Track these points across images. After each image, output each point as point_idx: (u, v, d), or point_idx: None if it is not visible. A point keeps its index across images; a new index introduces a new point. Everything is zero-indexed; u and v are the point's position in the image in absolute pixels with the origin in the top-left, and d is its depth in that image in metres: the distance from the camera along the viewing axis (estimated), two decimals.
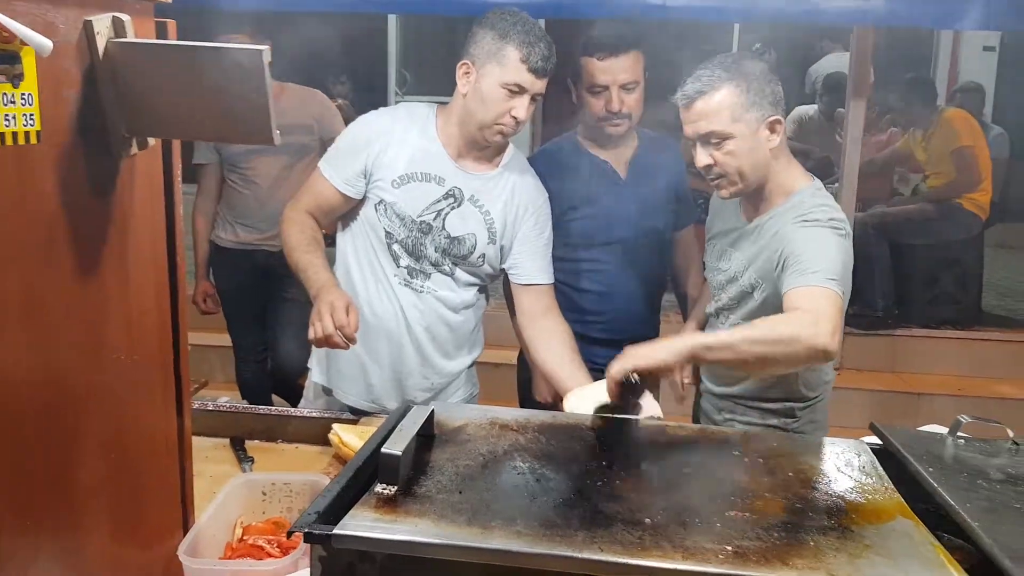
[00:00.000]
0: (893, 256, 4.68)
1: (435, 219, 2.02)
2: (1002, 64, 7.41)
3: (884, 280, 4.63)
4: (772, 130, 1.80)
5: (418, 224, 2.02)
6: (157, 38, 1.13)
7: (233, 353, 3.54)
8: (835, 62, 5.65)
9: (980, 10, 3.08)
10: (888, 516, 1.10)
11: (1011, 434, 1.33)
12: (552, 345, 2.03)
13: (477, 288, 2.12)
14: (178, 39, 1.15)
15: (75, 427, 1.01)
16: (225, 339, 3.54)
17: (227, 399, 2.70)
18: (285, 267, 2.06)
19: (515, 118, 1.94)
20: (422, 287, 2.05)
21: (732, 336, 1.63)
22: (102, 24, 1.00)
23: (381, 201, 2.02)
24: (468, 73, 1.96)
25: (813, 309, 1.61)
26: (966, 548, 1.05)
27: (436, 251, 2.03)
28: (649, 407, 1.60)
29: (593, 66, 2.17)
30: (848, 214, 2.84)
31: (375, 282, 2.06)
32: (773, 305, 1.78)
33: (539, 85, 1.93)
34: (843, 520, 1.08)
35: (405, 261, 2.04)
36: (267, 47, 1.00)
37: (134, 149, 1.09)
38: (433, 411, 1.31)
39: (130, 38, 1.04)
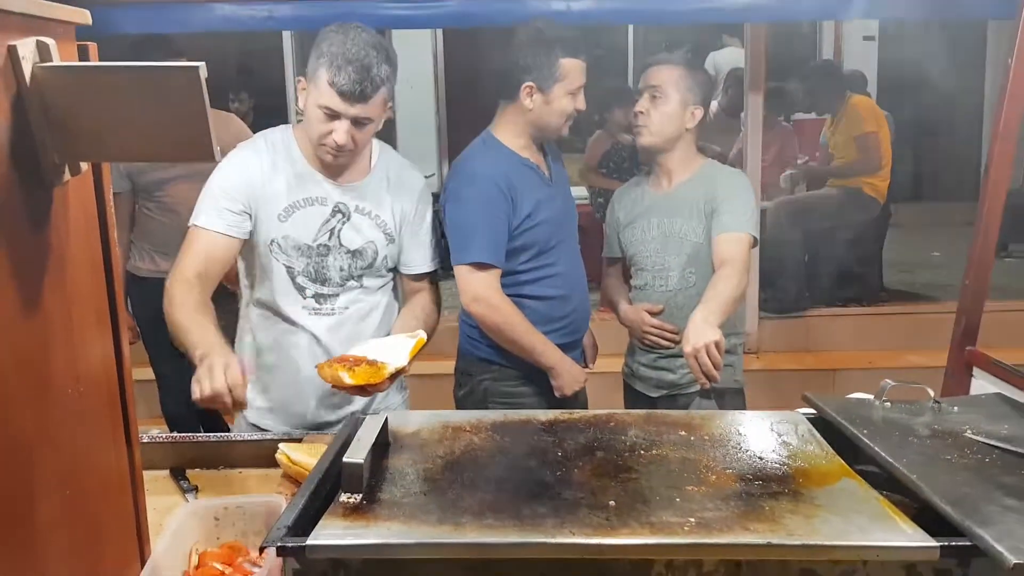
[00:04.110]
0: (802, 241, 4.89)
1: (330, 239, 1.99)
2: (882, 52, 7.85)
3: (796, 265, 4.84)
4: (693, 115, 2.33)
5: (315, 249, 1.98)
6: (79, 60, 1.11)
7: (157, 386, 3.43)
8: (733, 56, 5.86)
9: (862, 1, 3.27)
10: (833, 478, 1.17)
11: (932, 394, 1.43)
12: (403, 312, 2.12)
13: (389, 288, 2.13)
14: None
15: (28, 466, 0.98)
16: (146, 372, 3.42)
17: (158, 431, 2.62)
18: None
19: (336, 142, 1.87)
20: (333, 309, 2.03)
21: (723, 299, 2.07)
22: (27, 48, 0.97)
23: (272, 240, 1.97)
24: (303, 89, 1.91)
25: (741, 257, 2.20)
26: (905, 502, 1.13)
27: (341, 270, 2.01)
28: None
29: (578, 67, 2.20)
30: (756, 204, 2.97)
31: (283, 332, 2.03)
32: (705, 250, 2.30)
33: (356, 110, 1.84)
34: (793, 485, 1.14)
35: (311, 290, 2.01)
36: (203, 63, 0.99)
37: (67, 175, 1.06)
38: (387, 419, 1.32)
39: (56, 62, 1.01)
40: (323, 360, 1.96)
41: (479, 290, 2.17)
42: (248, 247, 2.01)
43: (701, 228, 2.32)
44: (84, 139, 1.03)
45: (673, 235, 2.37)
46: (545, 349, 2.23)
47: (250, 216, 1.95)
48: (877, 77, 7.67)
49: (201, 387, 1.63)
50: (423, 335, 1.91)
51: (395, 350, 1.84)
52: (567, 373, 2.25)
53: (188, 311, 1.82)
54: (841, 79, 5.06)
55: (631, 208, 2.48)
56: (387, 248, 2.04)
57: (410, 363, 1.82)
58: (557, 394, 2.25)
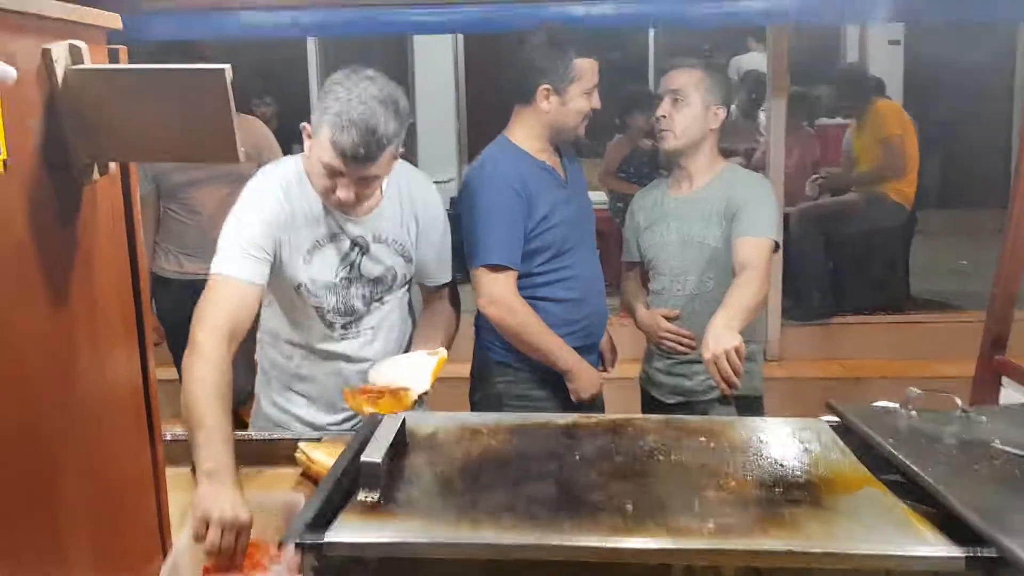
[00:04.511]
0: (826, 248, 4.84)
1: (351, 272, 1.96)
2: (908, 56, 7.76)
3: (819, 271, 4.79)
4: (716, 115, 2.34)
5: (339, 284, 1.95)
6: (110, 62, 1.13)
7: (180, 385, 3.46)
8: (755, 60, 5.83)
9: (887, 3, 3.25)
10: (856, 486, 1.15)
11: (959, 403, 1.40)
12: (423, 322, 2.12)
13: (407, 289, 2.12)
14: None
15: (51, 459, 0.99)
16: (170, 372, 3.45)
17: (181, 430, 2.65)
18: None
19: (339, 200, 1.79)
20: (359, 332, 2.03)
21: (744, 304, 2.05)
22: (60, 52, 0.99)
23: (300, 284, 1.92)
24: (308, 137, 1.81)
25: (761, 262, 2.17)
26: (930, 512, 1.11)
27: (363, 298, 2.00)
28: None
29: (591, 66, 2.21)
30: (778, 208, 2.95)
31: (315, 360, 2.02)
32: (724, 255, 2.29)
33: (360, 171, 1.75)
34: (814, 493, 1.13)
35: (340, 321, 2.00)
36: (228, 66, 1.01)
37: (96, 175, 1.08)
38: (404, 420, 1.33)
39: (87, 64, 1.03)
40: (354, 375, 2.00)
41: (495, 292, 2.17)
42: (276, 291, 1.97)
43: (720, 232, 2.31)
44: (113, 139, 1.05)
45: (692, 239, 2.36)
46: (561, 352, 2.22)
47: (272, 263, 1.87)
48: (903, 82, 7.59)
49: (196, 533, 1.40)
50: (444, 353, 1.91)
51: (417, 370, 1.85)
52: (583, 377, 2.24)
53: (208, 394, 1.62)
54: (867, 83, 5.00)
55: (650, 212, 2.48)
56: (406, 268, 2.04)
57: (432, 384, 1.81)
58: (573, 398, 2.25)
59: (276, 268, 1.89)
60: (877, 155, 4.79)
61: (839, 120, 5.58)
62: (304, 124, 1.83)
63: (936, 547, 0.97)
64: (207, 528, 1.39)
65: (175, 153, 1.12)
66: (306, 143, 1.83)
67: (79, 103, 1.00)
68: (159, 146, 1.05)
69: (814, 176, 5.16)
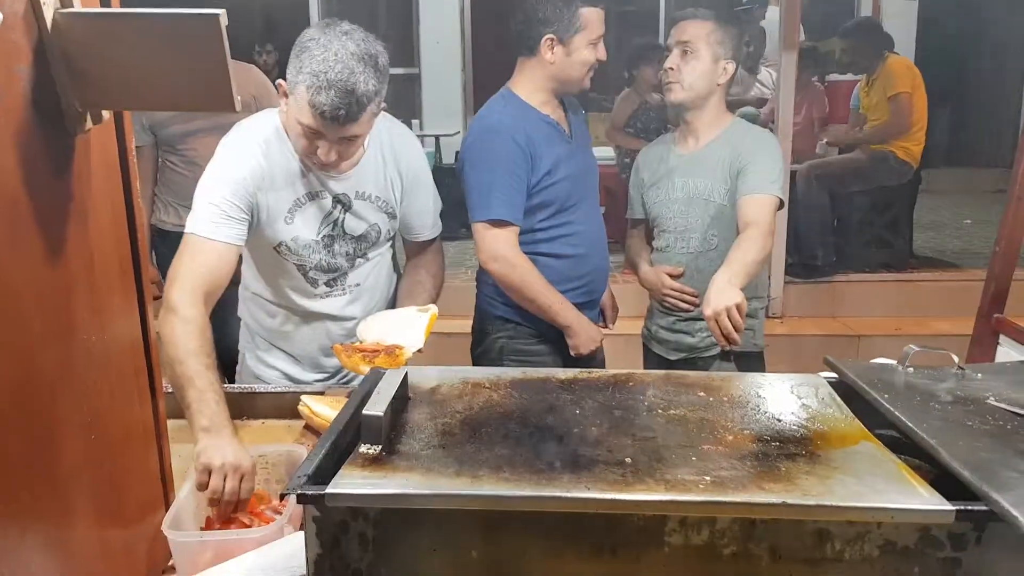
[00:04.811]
0: (831, 205, 4.81)
1: (334, 229, 1.94)
2: (923, 11, 7.62)
3: (824, 229, 4.77)
4: (725, 70, 2.31)
5: (321, 242, 1.93)
6: (101, 6, 1.10)
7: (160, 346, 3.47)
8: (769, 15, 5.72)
9: None
10: (851, 441, 1.16)
11: (956, 360, 1.41)
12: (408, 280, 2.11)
13: (390, 244, 2.12)
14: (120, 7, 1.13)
15: (51, 411, 1.00)
16: None
17: None
18: None
19: (321, 161, 1.77)
20: (345, 289, 2.02)
21: (747, 261, 2.04)
22: None
23: (280, 243, 1.90)
24: (284, 95, 1.76)
25: (766, 220, 2.15)
26: (923, 467, 1.12)
27: (347, 255, 1.99)
28: None
29: (597, 15, 2.18)
30: (784, 166, 2.93)
31: (299, 318, 2.02)
32: (729, 212, 2.28)
33: (341, 131, 1.70)
34: (810, 447, 1.14)
35: (323, 278, 1.99)
36: (223, 11, 0.99)
37: (88, 123, 1.06)
38: (407, 374, 1.33)
39: (77, 8, 1.01)
40: (340, 335, 2.00)
41: (497, 248, 2.16)
42: (255, 250, 1.96)
43: (725, 189, 2.29)
44: (105, 86, 1.03)
45: (697, 196, 2.34)
46: (562, 308, 2.22)
47: (250, 222, 1.84)
48: (916, 38, 7.46)
49: (200, 482, 1.41)
50: (435, 310, 1.91)
51: (409, 327, 1.85)
52: (583, 332, 2.24)
53: (192, 353, 1.57)
54: (881, 37, 4.91)
55: (655, 168, 2.45)
56: (389, 224, 2.02)
57: (425, 342, 1.82)
58: (573, 353, 2.25)
59: (255, 228, 1.86)
60: (885, 112, 4.74)
61: (850, 76, 5.49)
62: (280, 81, 1.78)
63: (927, 501, 0.97)
64: (209, 476, 1.41)
65: (169, 101, 1.10)
66: (281, 101, 1.79)
67: (69, 48, 0.98)
68: (152, 93, 1.04)
69: (824, 140, 5.13)
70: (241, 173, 1.81)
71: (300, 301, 2.00)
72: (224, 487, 1.40)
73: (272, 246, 1.92)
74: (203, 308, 1.68)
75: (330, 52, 1.66)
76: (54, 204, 1.02)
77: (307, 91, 1.66)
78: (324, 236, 1.94)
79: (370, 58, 1.68)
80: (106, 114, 1.10)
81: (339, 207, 1.93)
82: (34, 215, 0.96)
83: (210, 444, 1.44)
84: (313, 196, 1.90)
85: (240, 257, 1.87)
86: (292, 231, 1.90)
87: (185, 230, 1.80)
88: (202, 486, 1.41)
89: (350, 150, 1.80)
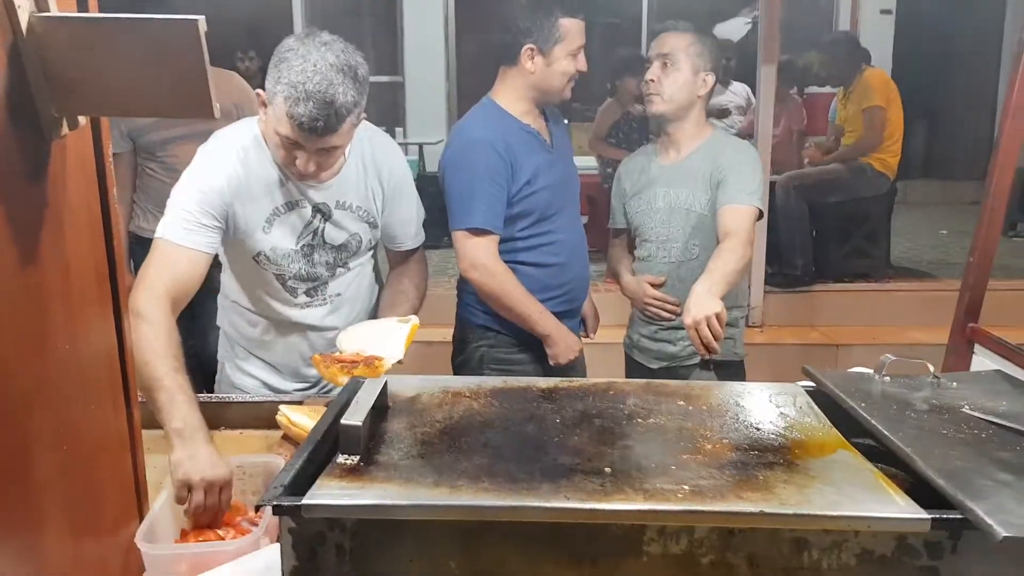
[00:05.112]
0: (809, 216, 4.86)
1: (314, 239, 1.92)
2: (899, 25, 7.73)
3: (803, 240, 4.82)
4: (705, 82, 2.33)
5: (301, 251, 1.92)
6: (78, 11, 1.09)
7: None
8: (738, 27, 5.79)
9: None
10: (829, 450, 1.17)
11: (932, 369, 1.42)
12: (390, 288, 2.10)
13: (371, 254, 2.11)
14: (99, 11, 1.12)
15: (24, 421, 0.98)
16: None
17: None
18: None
19: (299, 172, 1.76)
20: (325, 299, 2.01)
21: (727, 271, 2.06)
22: None
23: (259, 252, 1.89)
24: (262, 105, 1.75)
25: (745, 230, 2.17)
26: (900, 475, 1.13)
27: (327, 264, 1.97)
28: None
29: (577, 26, 2.18)
30: (764, 177, 2.96)
31: (278, 327, 2.00)
32: (710, 222, 2.29)
33: (320, 143, 1.69)
34: (788, 456, 1.14)
35: (303, 288, 1.98)
36: (202, 17, 0.98)
37: (65, 129, 1.05)
38: (387, 383, 1.32)
39: (53, 12, 1.00)
40: (320, 345, 1.98)
41: (477, 256, 2.16)
42: (235, 259, 1.95)
43: (706, 199, 2.31)
44: (82, 92, 1.02)
45: (678, 206, 2.36)
46: (540, 317, 2.23)
47: (224, 230, 1.83)
48: (893, 51, 7.57)
49: (178, 496, 1.40)
50: (416, 320, 1.91)
51: (389, 338, 1.83)
52: (562, 342, 2.25)
53: (158, 366, 1.54)
54: (858, 51, 4.99)
55: (637, 178, 2.47)
56: (371, 233, 2.01)
57: (406, 353, 1.81)
58: (552, 362, 2.26)
59: (232, 237, 1.85)
60: (860, 124, 4.80)
61: (828, 89, 5.57)
62: (259, 91, 1.77)
63: (903, 510, 0.98)
64: (188, 491, 1.39)
65: (147, 107, 1.09)
66: (260, 111, 1.78)
67: (45, 53, 0.97)
68: (130, 99, 1.02)
69: (807, 144, 5.19)
70: (218, 181, 1.80)
71: (280, 310, 1.99)
72: (205, 502, 1.39)
73: (251, 256, 1.91)
74: (169, 312, 1.67)
75: (309, 63, 1.64)
76: (28, 210, 1.00)
77: (285, 102, 1.65)
78: (304, 246, 1.93)
79: (349, 69, 1.67)
80: (83, 119, 1.09)
81: (319, 216, 1.92)
82: (7, 221, 0.95)
83: (185, 455, 1.42)
84: (292, 205, 1.89)
85: (211, 265, 1.85)
86: (270, 241, 1.89)
87: (155, 235, 1.80)
88: (181, 501, 1.40)
89: (329, 161, 1.79)
